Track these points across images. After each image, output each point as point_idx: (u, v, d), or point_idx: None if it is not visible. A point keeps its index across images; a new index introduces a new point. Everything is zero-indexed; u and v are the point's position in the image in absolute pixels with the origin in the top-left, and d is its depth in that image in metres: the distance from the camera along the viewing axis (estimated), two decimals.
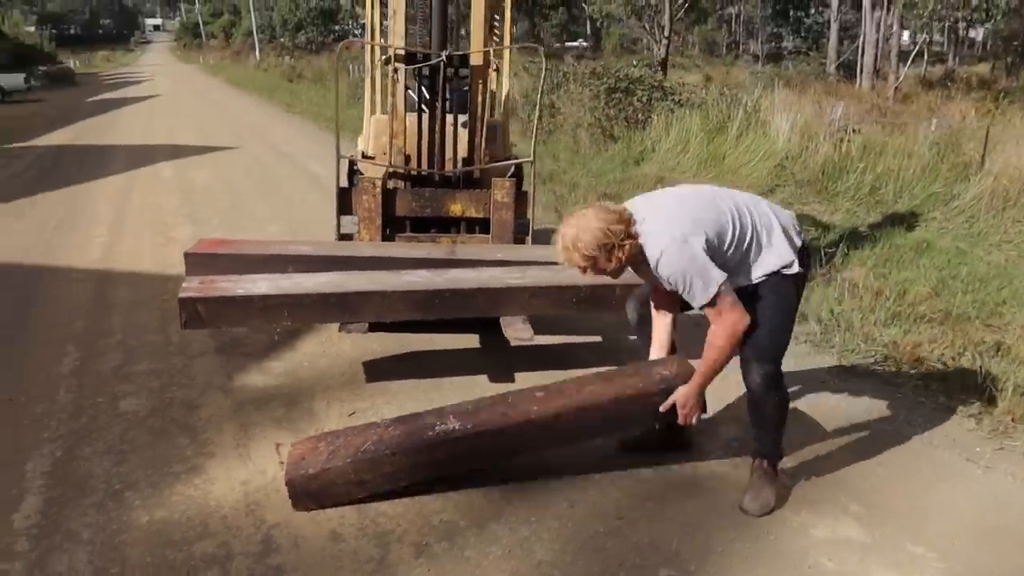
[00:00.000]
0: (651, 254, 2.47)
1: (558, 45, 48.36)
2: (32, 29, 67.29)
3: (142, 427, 3.20)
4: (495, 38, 4.44)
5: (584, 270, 2.52)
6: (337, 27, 44.43)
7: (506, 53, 4.51)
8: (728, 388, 3.15)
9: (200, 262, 3.61)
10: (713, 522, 2.61)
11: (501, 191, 3.96)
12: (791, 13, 27.92)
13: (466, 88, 4.07)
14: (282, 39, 44.79)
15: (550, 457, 2.84)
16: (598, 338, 4.25)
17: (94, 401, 3.44)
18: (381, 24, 4.63)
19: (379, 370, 3.74)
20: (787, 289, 2.61)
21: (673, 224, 2.47)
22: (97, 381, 3.66)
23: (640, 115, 11.38)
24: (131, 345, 4.11)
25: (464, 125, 4.10)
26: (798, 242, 2.64)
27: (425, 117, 4.01)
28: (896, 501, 2.75)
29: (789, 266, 2.58)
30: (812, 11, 28.94)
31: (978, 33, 37.13)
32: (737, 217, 2.55)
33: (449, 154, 4.07)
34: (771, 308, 2.58)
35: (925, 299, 4.85)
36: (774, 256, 2.58)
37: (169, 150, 12.20)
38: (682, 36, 44.34)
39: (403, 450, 2.60)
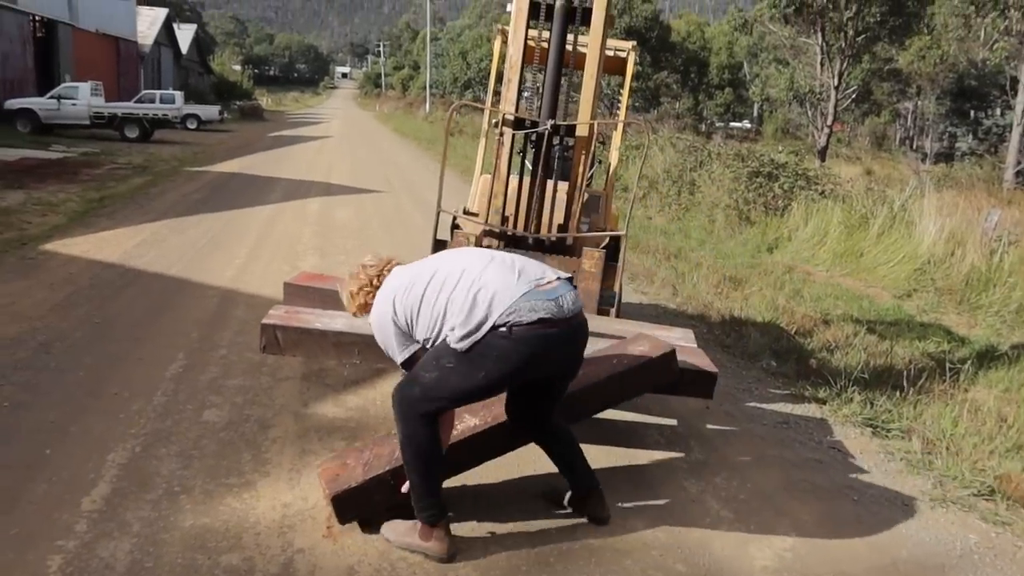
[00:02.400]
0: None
1: (721, 125, 48.15)
2: (237, 68, 74.55)
3: (215, 437, 3.43)
4: (616, 111, 4.53)
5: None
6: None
7: (619, 127, 4.58)
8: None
9: (296, 292, 3.87)
10: None
11: (590, 260, 4.00)
12: (971, 113, 26.40)
13: (560, 157, 4.16)
14: (452, 94, 47.22)
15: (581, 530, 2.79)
16: (673, 421, 4.14)
17: (183, 407, 3.73)
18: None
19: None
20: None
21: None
22: (192, 389, 3.96)
23: (780, 202, 11.11)
24: (231, 360, 4.43)
25: (554, 192, 4.18)
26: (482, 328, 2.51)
27: (519, 181, 4.14)
28: None
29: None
30: (994, 112, 27.26)
31: None
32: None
33: (547, 219, 4.16)
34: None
35: None
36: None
37: (323, 187, 13.10)
38: (851, 126, 42.97)
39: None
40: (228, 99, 44.81)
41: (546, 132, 3.92)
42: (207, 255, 7.19)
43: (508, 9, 4.30)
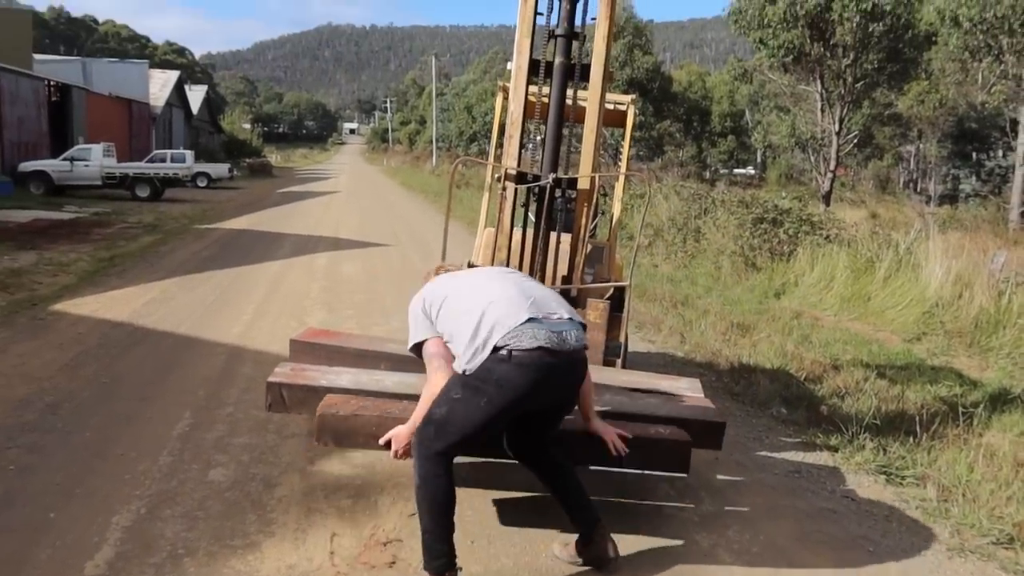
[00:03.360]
0: None
1: (724, 171, 48.56)
2: (247, 126, 76.01)
3: (220, 497, 3.40)
4: (619, 161, 4.59)
5: None
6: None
7: (621, 179, 4.64)
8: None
9: (302, 349, 3.89)
10: None
11: (595, 312, 4.01)
12: (972, 155, 26.59)
13: (560, 209, 4.19)
14: (458, 148, 47.91)
15: None
16: (682, 474, 4.07)
17: (189, 467, 3.71)
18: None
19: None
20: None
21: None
22: (198, 448, 3.95)
23: (786, 247, 11.14)
24: (237, 418, 4.42)
25: (557, 244, 4.21)
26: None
27: (522, 234, 4.18)
28: None
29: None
30: (995, 153, 27.44)
31: None
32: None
33: (550, 271, 4.18)
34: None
35: None
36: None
37: (330, 242, 13.22)
38: (854, 170, 43.24)
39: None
40: (238, 157, 45.60)
41: (548, 186, 3.97)
42: (215, 312, 7.23)
43: (509, 67, 4.39)
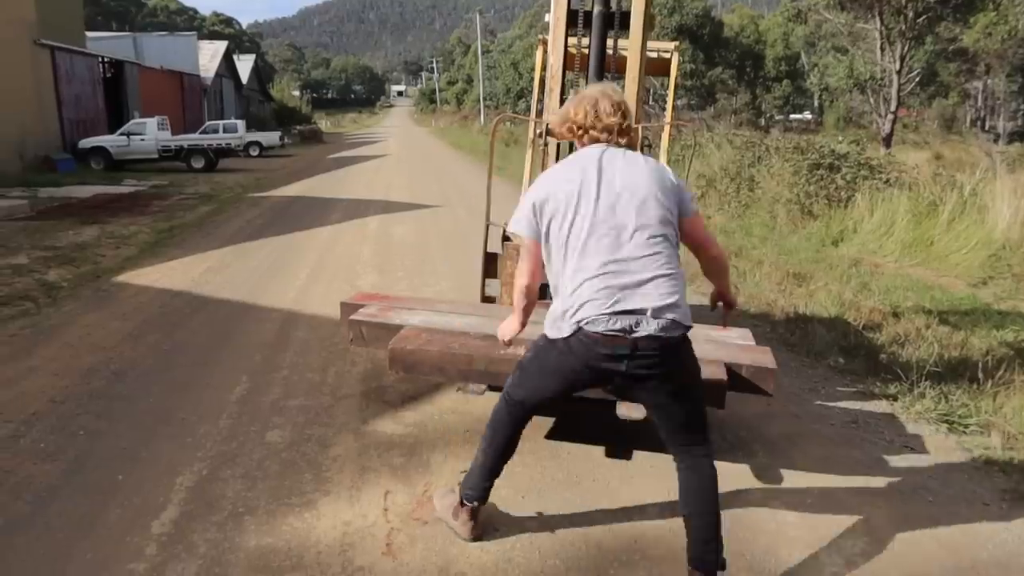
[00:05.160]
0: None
1: (780, 118, 47.12)
2: (296, 93, 76.62)
3: (277, 458, 3.50)
4: (663, 114, 4.48)
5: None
6: None
7: (666, 130, 4.53)
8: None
9: (350, 312, 3.95)
10: None
11: None
12: None
13: None
14: (505, 105, 47.48)
15: None
16: (736, 424, 4.03)
17: (248, 429, 3.82)
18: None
19: None
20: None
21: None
22: (255, 411, 4.06)
23: (843, 193, 10.78)
24: (292, 381, 4.52)
25: None
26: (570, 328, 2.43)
27: None
28: None
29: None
30: None
31: None
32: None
33: None
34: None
35: None
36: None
37: (381, 205, 13.32)
38: (917, 111, 41.52)
39: (479, 357, 3.29)
40: (288, 124, 46.09)
41: None
42: (270, 278, 7.38)
43: (547, 19, 4.29)
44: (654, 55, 4.96)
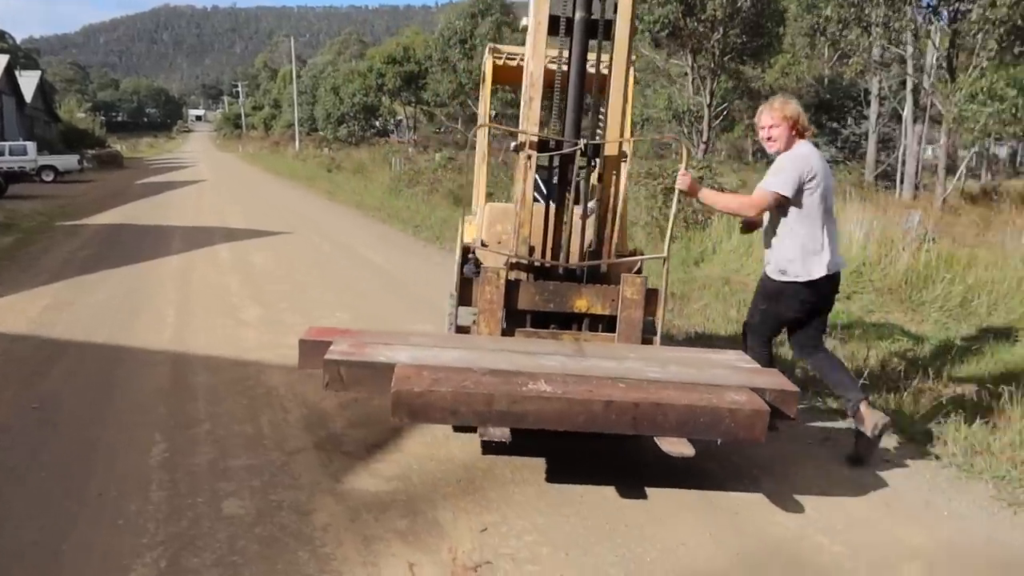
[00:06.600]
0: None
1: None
2: (83, 115, 70.06)
3: (251, 535, 2.84)
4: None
5: (766, 129, 3.67)
6: (377, 122, 45.72)
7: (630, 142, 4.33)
8: None
9: (312, 350, 3.36)
10: None
11: (632, 287, 3.70)
12: (825, 124, 28.30)
13: (579, 179, 3.86)
14: (323, 132, 46.07)
15: None
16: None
17: (193, 501, 3.10)
18: (491, 112, 4.51)
19: (500, 479, 3.39)
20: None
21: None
22: (192, 477, 3.33)
23: (700, 216, 11.24)
24: (221, 435, 3.80)
25: (582, 217, 3.89)
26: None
27: (545, 207, 3.82)
28: None
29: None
30: (849, 122, 29.33)
31: (1002, 150, 37.63)
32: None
33: (576, 246, 3.84)
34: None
35: None
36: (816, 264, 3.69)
37: (223, 232, 12.20)
38: (711, 143, 45.10)
39: (499, 396, 2.86)
40: (79, 147, 41.75)
41: (575, 153, 3.62)
42: (131, 316, 6.37)
43: (524, 23, 3.97)
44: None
